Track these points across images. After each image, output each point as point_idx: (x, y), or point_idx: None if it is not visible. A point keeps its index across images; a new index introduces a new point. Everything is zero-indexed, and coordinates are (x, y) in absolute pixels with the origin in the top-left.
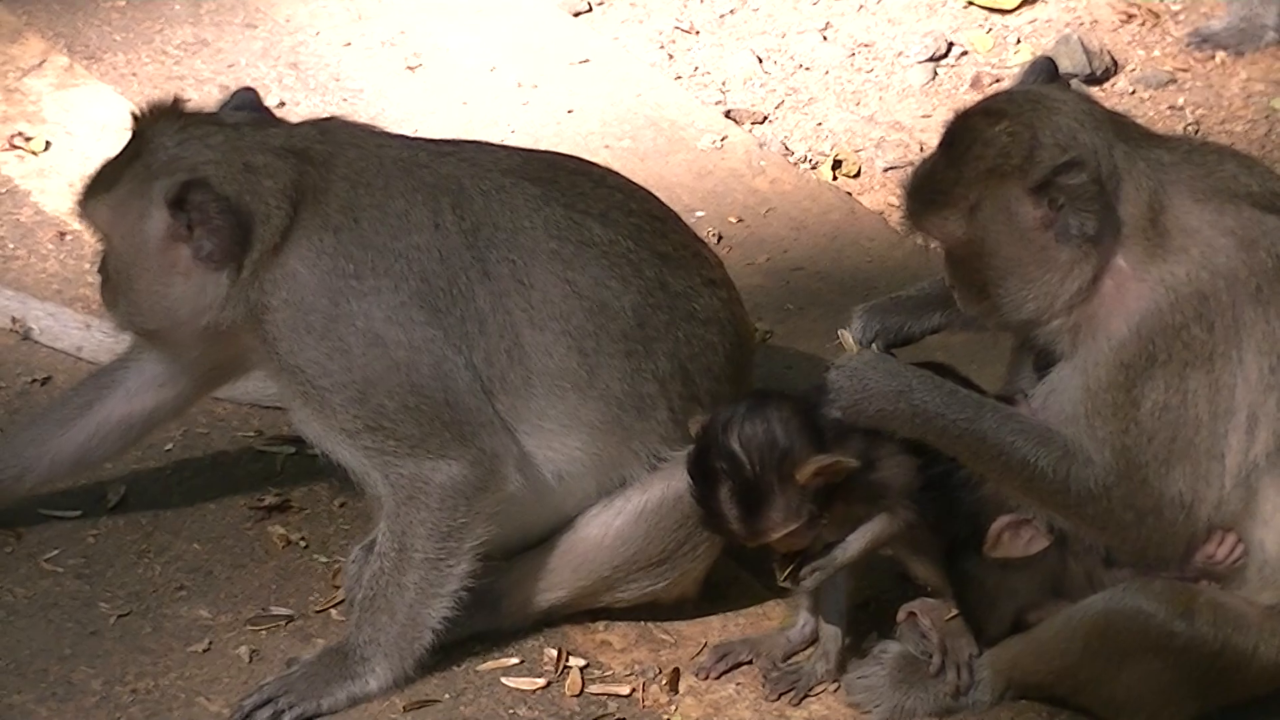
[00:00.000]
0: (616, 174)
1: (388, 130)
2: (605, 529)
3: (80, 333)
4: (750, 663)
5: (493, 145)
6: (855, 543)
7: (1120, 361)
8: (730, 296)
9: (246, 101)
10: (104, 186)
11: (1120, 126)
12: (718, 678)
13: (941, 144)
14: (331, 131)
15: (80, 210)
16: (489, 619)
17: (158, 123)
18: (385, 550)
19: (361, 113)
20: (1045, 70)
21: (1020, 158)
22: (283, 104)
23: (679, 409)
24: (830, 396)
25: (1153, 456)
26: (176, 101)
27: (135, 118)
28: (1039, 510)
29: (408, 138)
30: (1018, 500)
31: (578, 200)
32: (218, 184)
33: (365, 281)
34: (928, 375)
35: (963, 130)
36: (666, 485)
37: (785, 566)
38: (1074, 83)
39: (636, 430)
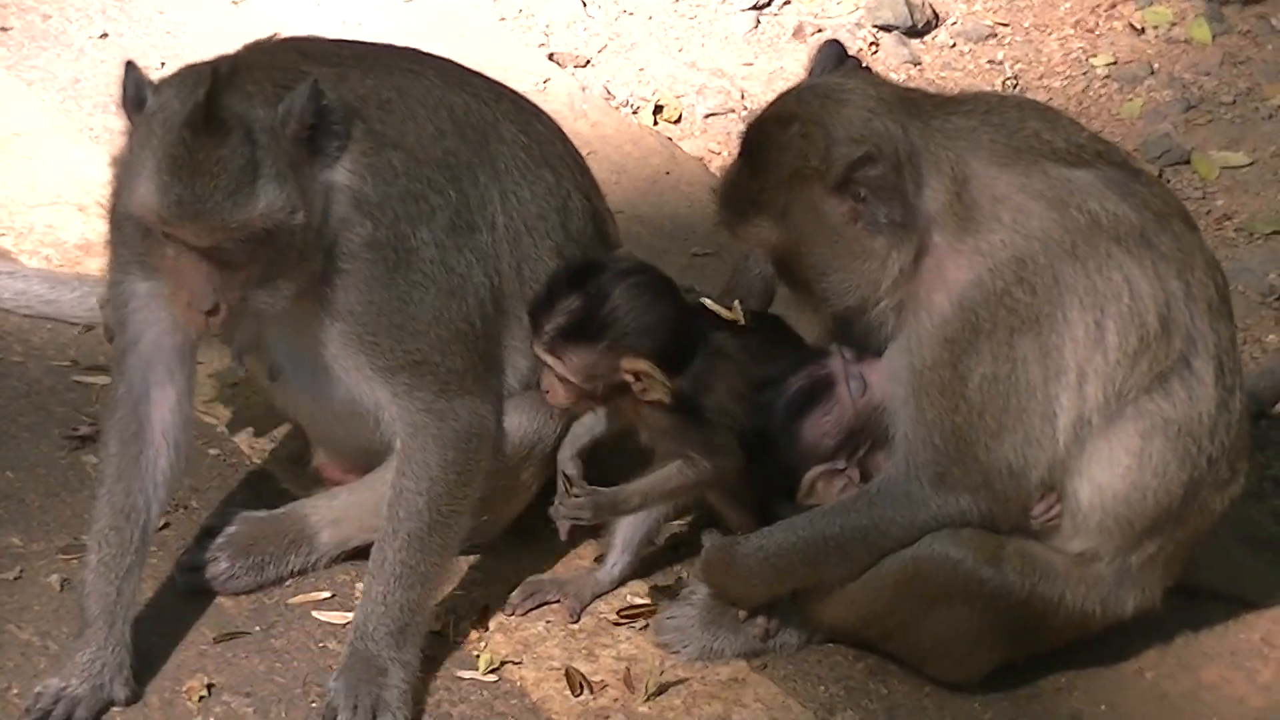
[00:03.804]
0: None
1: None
2: None
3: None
4: (559, 602)
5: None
6: (639, 490)
7: (944, 338)
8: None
9: None
10: None
11: (911, 103)
12: (524, 614)
13: (741, 153)
14: (306, 51)
15: None
16: (306, 556)
17: None
18: (411, 512)
19: (185, 48)
20: (833, 55)
21: (818, 159)
22: (105, 35)
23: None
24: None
25: (983, 430)
26: None
27: None
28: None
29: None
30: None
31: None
32: None
33: (427, 201)
34: (764, 535)
35: (759, 138)
36: None
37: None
38: (893, 36)
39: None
